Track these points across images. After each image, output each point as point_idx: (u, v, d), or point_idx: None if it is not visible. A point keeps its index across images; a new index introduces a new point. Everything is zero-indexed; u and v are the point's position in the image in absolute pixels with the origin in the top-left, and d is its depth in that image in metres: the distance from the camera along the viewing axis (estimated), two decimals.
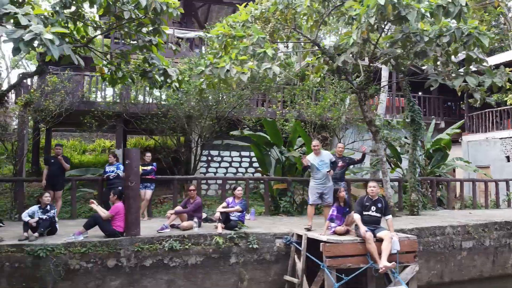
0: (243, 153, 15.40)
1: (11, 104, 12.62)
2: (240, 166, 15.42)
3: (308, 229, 6.87)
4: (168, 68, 7.73)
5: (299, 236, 6.70)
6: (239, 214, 7.14)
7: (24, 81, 14.17)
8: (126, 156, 6.61)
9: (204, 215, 7.71)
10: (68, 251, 6.12)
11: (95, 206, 6.59)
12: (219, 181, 12.63)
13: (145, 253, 6.38)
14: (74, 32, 7.16)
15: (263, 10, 8.24)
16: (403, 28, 7.23)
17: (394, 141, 12.53)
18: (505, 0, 18.08)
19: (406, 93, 10.34)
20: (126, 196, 6.54)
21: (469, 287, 7.99)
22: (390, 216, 6.05)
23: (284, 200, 9.47)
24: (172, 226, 7.08)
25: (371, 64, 9.04)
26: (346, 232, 6.28)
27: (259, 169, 11.95)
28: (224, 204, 7.29)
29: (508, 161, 14.42)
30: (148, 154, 8.97)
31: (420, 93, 17.66)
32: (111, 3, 6.53)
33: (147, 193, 8.51)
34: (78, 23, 7.10)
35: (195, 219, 7.12)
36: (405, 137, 12.68)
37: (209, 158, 14.50)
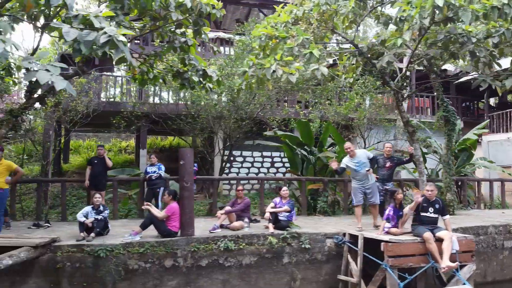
0: (265, 154, 15.48)
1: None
2: (262, 166, 15.50)
3: (359, 230, 6.93)
4: (207, 69, 7.80)
5: (353, 236, 6.74)
6: (287, 214, 7.18)
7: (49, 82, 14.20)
8: (180, 156, 6.64)
9: None
10: (127, 251, 6.16)
11: (150, 207, 6.62)
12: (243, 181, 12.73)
13: (201, 253, 6.42)
14: None
15: (306, 11, 8.26)
16: (451, 29, 7.26)
17: (423, 141, 12.61)
18: None
19: (439, 94, 10.39)
20: (181, 196, 6.58)
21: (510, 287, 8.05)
22: (447, 216, 6.09)
23: (321, 200, 9.52)
24: (221, 226, 7.12)
25: (409, 65, 9.07)
26: (401, 234, 6.31)
27: (290, 169, 11.96)
28: (272, 204, 7.32)
29: None
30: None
31: (434, 93, 17.74)
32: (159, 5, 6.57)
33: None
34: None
35: (246, 219, 7.16)
36: (429, 137, 12.78)
37: (231, 158, 14.55)
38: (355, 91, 13.05)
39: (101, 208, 6.72)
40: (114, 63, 6.14)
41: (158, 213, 6.50)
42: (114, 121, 12.18)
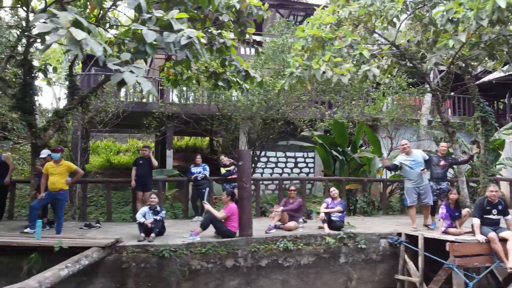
0: (288, 154, 15.53)
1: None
2: (286, 167, 15.55)
3: (415, 230, 6.99)
4: (249, 69, 7.82)
5: (410, 236, 6.78)
6: (339, 214, 7.22)
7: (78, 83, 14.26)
8: (239, 157, 6.67)
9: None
10: (190, 252, 6.19)
11: (209, 207, 6.65)
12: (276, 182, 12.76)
13: (261, 253, 6.46)
14: None
15: (352, 12, 8.30)
16: (502, 30, 7.30)
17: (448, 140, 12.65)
18: None
19: (474, 95, 10.42)
20: (240, 197, 6.61)
21: None
22: (510, 216, 6.12)
23: (362, 201, 9.56)
24: (275, 226, 7.15)
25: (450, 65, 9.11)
26: (459, 234, 6.34)
27: (324, 170, 11.99)
28: (324, 204, 7.37)
29: None
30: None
31: (452, 93, 17.79)
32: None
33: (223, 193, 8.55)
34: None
35: (300, 220, 7.19)
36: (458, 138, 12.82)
37: (255, 158, 14.60)
38: (382, 91, 13.13)
39: (158, 208, 6.75)
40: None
41: (218, 213, 6.52)
42: (144, 122, 12.22)
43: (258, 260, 6.44)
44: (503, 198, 6.39)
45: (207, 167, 8.68)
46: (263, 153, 14.93)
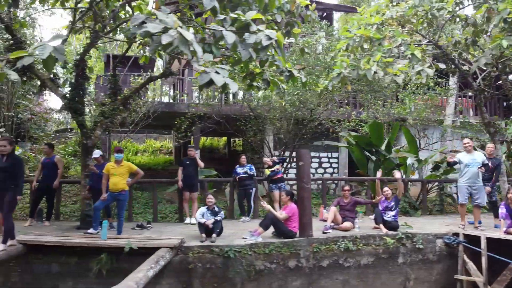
0: (312, 154, 15.53)
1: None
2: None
3: (463, 228, 7.03)
4: (293, 70, 7.82)
5: (467, 236, 6.79)
6: (393, 214, 7.23)
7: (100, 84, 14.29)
8: (299, 158, 6.67)
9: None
10: (253, 252, 6.19)
11: (269, 207, 6.65)
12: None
13: (322, 253, 6.46)
14: None
15: (400, 12, 8.31)
16: None
17: (478, 141, 12.69)
18: None
19: (511, 95, 10.45)
20: (300, 197, 6.62)
21: None
22: None
23: (403, 201, 9.56)
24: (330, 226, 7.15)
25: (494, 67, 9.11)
26: None
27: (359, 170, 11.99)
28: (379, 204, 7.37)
29: None
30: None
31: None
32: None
33: (283, 193, 8.52)
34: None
35: (356, 220, 7.20)
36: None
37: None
38: (411, 91, 13.16)
39: (216, 209, 6.74)
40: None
41: (279, 214, 6.53)
42: (176, 122, 12.23)
43: (320, 261, 6.44)
44: None
45: (253, 167, 8.69)
46: (287, 154, 14.98)
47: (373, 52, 8.18)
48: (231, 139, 22.25)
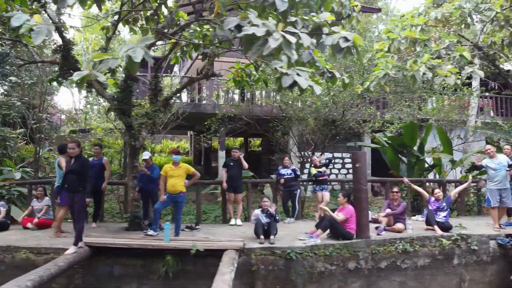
0: (336, 155, 15.56)
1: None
2: (333, 168, 15.57)
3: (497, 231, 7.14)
4: (334, 71, 7.81)
5: None
6: (444, 215, 7.23)
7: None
8: (355, 159, 6.67)
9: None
10: (314, 254, 6.19)
11: (327, 209, 6.65)
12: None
13: (380, 255, 6.46)
14: None
15: (445, 13, 8.31)
16: None
17: (507, 142, 12.70)
18: None
19: None
20: (358, 199, 6.61)
21: None
22: None
23: None
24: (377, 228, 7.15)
25: None
26: None
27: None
28: (430, 206, 7.37)
29: None
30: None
31: (489, 93, 17.84)
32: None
33: (325, 195, 8.54)
34: None
35: (409, 221, 7.20)
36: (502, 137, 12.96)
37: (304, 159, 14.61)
38: (439, 91, 13.18)
39: (270, 211, 6.73)
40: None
41: (337, 216, 6.52)
42: (206, 123, 12.23)
43: (378, 262, 6.44)
44: None
45: (297, 168, 8.68)
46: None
47: (418, 53, 8.19)
48: (248, 140, 22.26)
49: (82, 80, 3.95)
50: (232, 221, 8.22)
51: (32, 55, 8.55)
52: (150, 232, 6.51)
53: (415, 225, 7.54)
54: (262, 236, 6.38)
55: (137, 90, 11.62)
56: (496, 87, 16.68)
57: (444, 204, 7.25)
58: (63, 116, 22.05)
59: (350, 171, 15.50)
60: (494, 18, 8.67)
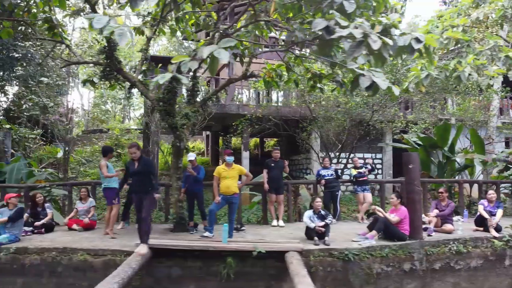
0: (357, 155, 15.53)
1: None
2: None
3: None
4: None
5: None
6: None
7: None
8: (407, 160, 6.65)
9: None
10: (370, 255, 6.17)
11: (381, 210, 6.64)
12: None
13: (434, 256, 6.45)
14: None
15: (487, 13, 8.29)
16: None
17: None
18: None
19: None
20: (411, 200, 6.60)
21: None
22: None
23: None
24: (425, 229, 7.12)
25: None
26: None
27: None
28: (481, 207, 7.36)
29: None
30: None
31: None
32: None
33: (367, 196, 8.52)
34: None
35: (460, 222, 7.19)
36: None
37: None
38: (465, 92, 13.18)
39: (323, 213, 6.72)
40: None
41: (391, 217, 6.51)
42: (233, 124, 12.23)
43: (432, 263, 6.43)
44: None
45: (338, 169, 8.67)
46: (332, 154, 14.99)
47: (462, 54, 8.19)
48: (263, 140, 22.22)
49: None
50: (274, 222, 8.20)
51: (71, 56, 8.56)
52: (206, 233, 6.49)
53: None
54: (316, 238, 6.37)
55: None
56: None
57: (496, 209, 7.23)
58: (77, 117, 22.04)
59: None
60: None
